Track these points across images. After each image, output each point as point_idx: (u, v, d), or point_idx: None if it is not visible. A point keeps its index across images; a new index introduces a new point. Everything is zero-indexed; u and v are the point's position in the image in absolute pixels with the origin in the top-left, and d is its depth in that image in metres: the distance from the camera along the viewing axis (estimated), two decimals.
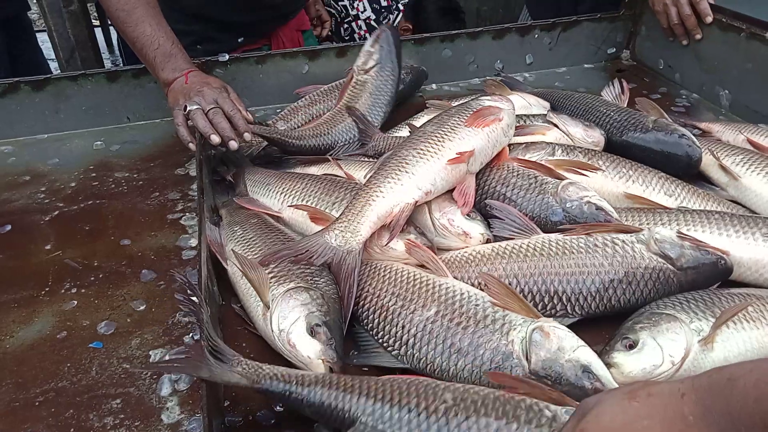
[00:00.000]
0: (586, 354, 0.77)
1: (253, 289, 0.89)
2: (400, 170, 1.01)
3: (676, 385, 0.50)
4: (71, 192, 1.28)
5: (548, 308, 0.92)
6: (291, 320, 0.84)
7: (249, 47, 1.74)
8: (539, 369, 0.77)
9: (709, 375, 0.49)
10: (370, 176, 1.03)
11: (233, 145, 1.21)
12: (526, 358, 0.78)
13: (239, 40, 1.69)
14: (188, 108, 1.21)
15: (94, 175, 1.35)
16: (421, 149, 1.04)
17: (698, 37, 1.60)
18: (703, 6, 1.56)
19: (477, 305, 0.84)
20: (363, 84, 1.44)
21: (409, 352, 0.85)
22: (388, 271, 0.93)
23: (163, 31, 1.30)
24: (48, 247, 1.12)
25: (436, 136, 1.06)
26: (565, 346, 0.77)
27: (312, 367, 0.81)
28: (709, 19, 1.55)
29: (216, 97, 1.24)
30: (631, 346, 0.83)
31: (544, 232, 1.01)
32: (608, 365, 0.80)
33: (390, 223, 0.96)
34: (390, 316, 0.88)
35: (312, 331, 0.82)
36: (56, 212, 1.22)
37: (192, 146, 1.24)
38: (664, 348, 0.81)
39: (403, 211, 0.97)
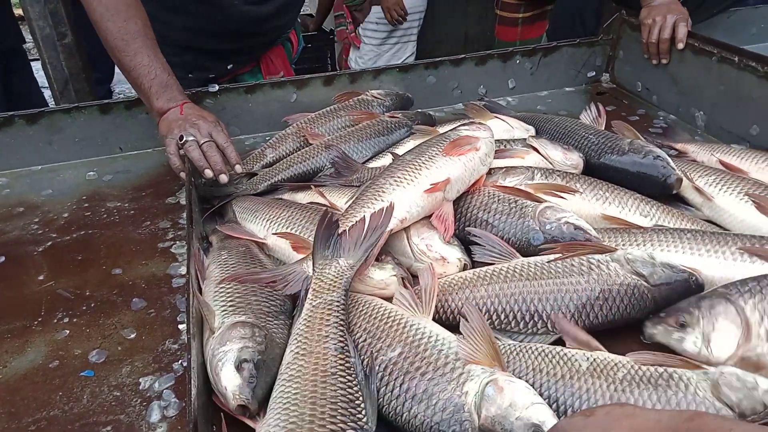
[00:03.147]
0: (538, 412, 0.74)
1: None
2: (376, 199, 1.04)
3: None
4: (64, 222, 1.31)
5: (530, 326, 0.95)
6: (225, 349, 0.84)
7: (239, 71, 1.80)
8: (488, 425, 0.75)
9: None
10: (348, 205, 1.06)
11: (223, 178, 1.27)
12: (478, 413, 0.76)
13: (228, 66, 1.74)
14: (185, 138, 1.27)
15: (86, 205, 1.38)
16: (398, 177, 1.08)
17: (664, 61, 1.67)
18: (680, 31, 1.62)
19: (441, 350, 0.83)
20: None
21: None
22: (366, 305, 0.94)
23: (159, 62, 1.34)
24: (41, 277, 1.14)
25: (413, 165, 1.10)
26: (517, 403, 0.74)
27: (227, 401, 0.81)
28: (681, 45, 1.61)
29: (211, 130, 1.30)
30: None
31: (525, 255, 1.05)
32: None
33: None
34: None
35: (239, 366, 0.82)
36: (49, 243, 1.25)
37: (183, 175, 1.28)
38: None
39: (380, 240, 1.00)
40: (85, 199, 1.40)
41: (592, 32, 1.97)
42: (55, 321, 1.04)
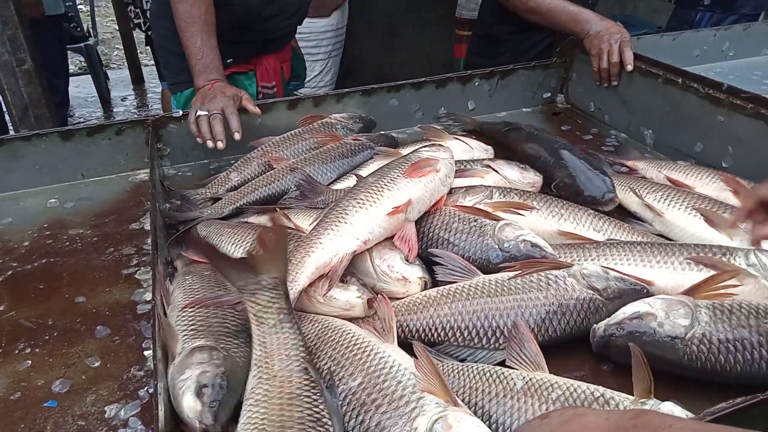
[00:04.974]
0: None
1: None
2: (339, 221, 1.07)
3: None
4: (25, 251, 1.30)
5: (492, 342, 0.98)
6: (184, 376, 0.85)
7: (237, 69, 1.89)
8: None
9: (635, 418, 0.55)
10: (312, 228, 1.09)
11: (220, 145, 1.47)
12: None
13: (228, 61, 1.80)
14: (198, 113, 1.49)
15: (48, 233, 1.36)
16: (360, 200, 1.10)
17: (615, 83, 1.76)
18: (627, 55, 1.72)
19: (400, 382, 0.82)
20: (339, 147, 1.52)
21: None
22: (333, 331, 0.95)
23: (209, 46, 1.58)
24: (1, 307, 1.12)
25: (375, 187, 1.13)
26: None
27: (189, 425, 0.82)
28: (630, 67, 1.69)
29: (224, 105, 1.50)
30: None
31: (486, 272, 1.08)
32: None
33: (329, 272, 1.01)
34: None
35: (199, 391, 0.83)
36: (9, 272, 1.23)
37: (199, 140, 1.50)
38: None
39: (342, 261, 1.02)
40: (47, 227, 1.39)
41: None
42: (17, 352, 1.02)
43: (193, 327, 0.93)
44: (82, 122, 5.12)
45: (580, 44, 1.84)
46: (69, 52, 5.01)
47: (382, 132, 1.77)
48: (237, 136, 1.49)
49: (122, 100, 5.59)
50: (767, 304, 0.94)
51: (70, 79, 5.49)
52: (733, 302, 0.94)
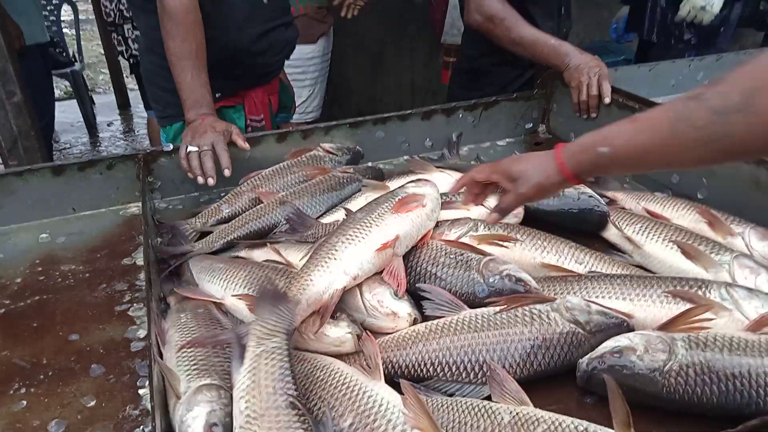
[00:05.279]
0: None
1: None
2: (329, 257, 1.10)
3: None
4: (17, 288, 1.31)
5: (479, 376, 1.01)
6: (193, 414, 0.87)
7: (226, 103, 1.93)
8: None
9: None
10: (303, 264, 1.12)
11: (210, 181, 1.51)
12: None
13: (217, 95, 1.83)
14: (189, 149, 1.53)
15: (40, 269, 1.37)
16: (349, 236, 1.14)
17: (594, 115, 1.83)
18: (605, 88, 1.79)
19: (390, 420, 0.86)
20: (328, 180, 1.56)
21: None
22: (321, 370, 0.98)
23: (200, 81, 1.62)
24: None
25: (364, 223, 1.16)
26: None
27: None
28: (607, 100, 1.76)
29: (214, 140, 1.54)
30: None
31: (472, 305, 1.12)
32: None
33: (320, 309, 1.04)
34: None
35: (209, 429, 0.85)
36: (2, 310, 1.24)
37: (190, 175, 1.54)
38: None
39: (333, 297, 1.05)
40: (39, 263, 1.40)
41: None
42: (11, 392, 1.03)
43: (195, 366, 0.95)
44: (68, 147, 5.12)
45: (560, 76, 1.91)
46: (55, 77, 5.03)
47: (370, 163, 1.81)
48: (227, 172, 1.53)
49: (108, 125, 5.59)
50: (740, 337, 0.98)
51: (57, 104, 5.50)
52: (707, 335, 0.98)
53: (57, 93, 6.26)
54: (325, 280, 1.08)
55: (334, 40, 3.38)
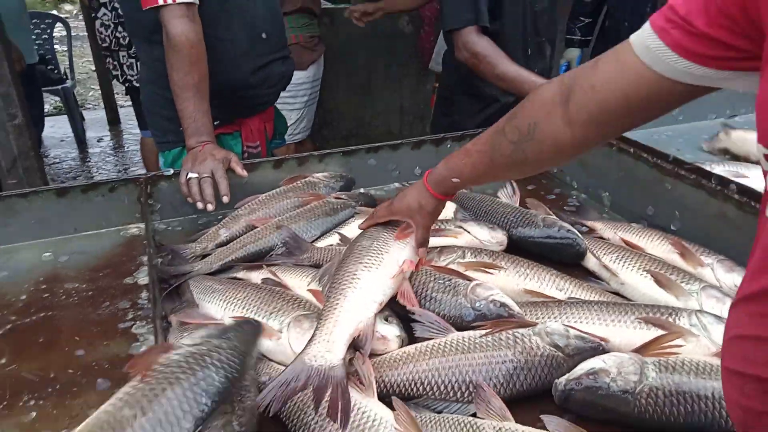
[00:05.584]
0: None
1: None
2: (353, 286, 1.17)
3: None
4: (23, 305, 1.36)
5: (465, 395, 1.08)
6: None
7: (224, 131, 2.00)
8: None
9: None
10: (328, 296, 1.17)
11: (209, 207, 1.58)
12: None
13: (216, 123, 1.88)
14: (189, 176, 1.60)
15: (44, 287, 1.43)
16: (366, 263, 1.21)
17: None
18: None
19: None
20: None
21: None
22: None
23: (201, 111, 1.69)
24: (3, 360, 1.18)
25: (375, 253, 1.24)
26: None
27: None
28: None
29: (213, 167, 1.61)
30: None
31: (459, 328, 1.19)
32: None
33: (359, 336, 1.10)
34: None
35: None
36: (9, 326, 1.29)
37: (190, 200, 1.61)
38: None
39: (368, 325, 1.11)
40: (43, 280, 1.45)
41: None
42: (21, 404, 1.08)
43: None
44: (57, 162, 5.14)
45: None
46: (45, 93, 5.08)
47: (362, 190, 1.89)
48: (225, 199, 1.60)
49: (98, 140, 5.63)
50: (706, 361, 1.07)
51: (47, 119, 5.54)
52: (677, 359, 1.07)
53: (47, 108, 6.30)
54: (358, 309, 1.14)
55: (324, 67, 3.49)
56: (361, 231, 1.37)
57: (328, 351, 1.04)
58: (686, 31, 0.76)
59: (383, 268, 1.21)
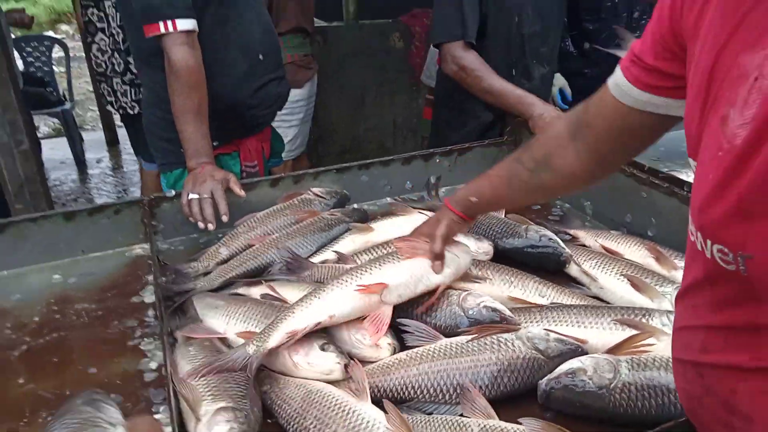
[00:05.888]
0: None
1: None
2: (314, 297, 1.25)
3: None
4: (36, 326, 1.43)
5: (453, 397, 1.16)
6: None
7: (222, 151, 2.08)
8: None
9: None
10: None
11: (210, 227, 1.67)
12: None
13: (215, 144, 1.97)
14: (190, 197, 1.69)
15: (55, 308, 1.50)
16: (341, 279, 1.29)
17: None
18: None
19: None
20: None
21: None
22: (316, 393, 1.11)
23: (200, 133, 1.78)
24: (21, 380, 1.26)
25: (359, 269, 1.32)
26: None
27: None
28: None
29: (213, 188, 1.69)
30: None
31: (449, 336, 1.27)
32: None
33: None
34: None
35: None
36: (24, 347, 1.36)
37: (191, 220, 1.70)
38: None
39: (306, 327, 1.19)
40: (54, 302, 1.53)
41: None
42: (41, 420, 1.15)
43: (210, 392, 1.08)
44: (58, 184, 5.22)
45: (527, 125, 2.10)
46: (45, 115, 5.17)
47: (355, 205, 1.97)
48: (225, 218, 1.68)
49: (97, 161, 5.71)
50: None
51: (46, 141, 5.63)
52: (648, 357, 1.15)
53: (46, 130, 6.40)
54: (304, 315, 1.22)
55: (318, 84, 3.59)
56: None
57: (261, 342, 1.18)
58: (641, 67, 0.88)
59: (347, 286, 1.27)
